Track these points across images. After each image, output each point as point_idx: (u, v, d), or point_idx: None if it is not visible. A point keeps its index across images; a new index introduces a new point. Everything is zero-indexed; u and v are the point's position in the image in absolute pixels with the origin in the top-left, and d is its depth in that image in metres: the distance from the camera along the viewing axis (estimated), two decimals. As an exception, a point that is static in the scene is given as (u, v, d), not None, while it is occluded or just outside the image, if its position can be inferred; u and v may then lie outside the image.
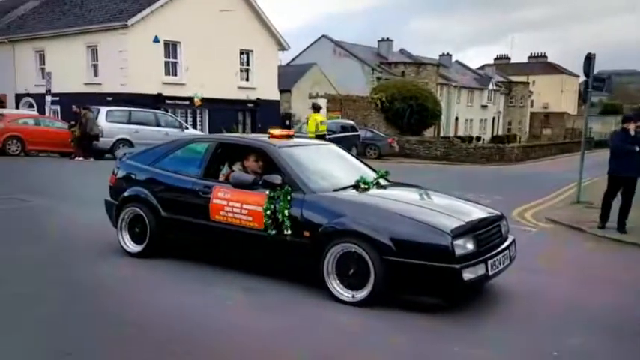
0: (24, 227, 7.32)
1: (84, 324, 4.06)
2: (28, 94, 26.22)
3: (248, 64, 27.21)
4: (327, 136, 13.20)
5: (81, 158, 16.83)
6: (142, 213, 5.77)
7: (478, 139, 47.92)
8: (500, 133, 55.68)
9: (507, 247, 4.99)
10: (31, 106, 25.92)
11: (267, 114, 26.91)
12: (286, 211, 4.86)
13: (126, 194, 5.94)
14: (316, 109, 13.32)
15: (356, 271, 4.58)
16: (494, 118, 56.51)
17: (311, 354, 3.72)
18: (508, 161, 29.19)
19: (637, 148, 8.17)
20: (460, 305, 4.65)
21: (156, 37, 23.07)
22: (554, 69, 70.64)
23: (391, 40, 46.89)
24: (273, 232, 4.91)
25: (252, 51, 26.93)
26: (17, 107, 25.72)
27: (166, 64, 23.85)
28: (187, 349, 3.62)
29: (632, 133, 8.27)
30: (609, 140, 9.05)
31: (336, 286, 4.68)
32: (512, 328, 4.35)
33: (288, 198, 4.92)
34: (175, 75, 24.18)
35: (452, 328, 4.20)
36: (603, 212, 8.70)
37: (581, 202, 11.31)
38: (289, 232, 4.85)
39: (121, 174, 6.18)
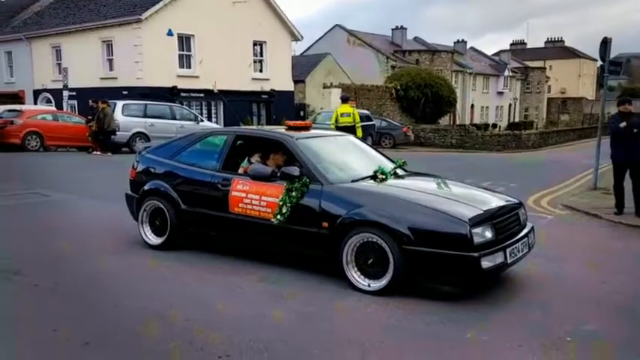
0: (43, 221, 7.49)
1: (103, 314, 4.16)
2: (46, 90, 26.56)
3: (261, 56, 27.23)
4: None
5: (98, 152, 17.04)
6: (162, 206, 5.86)
7: (494, 126, 47.50)
8: (516, 119, 55.13)
9: (526, 235, 4.99)
10: (48, 101, 26.29)
11: (282, 105, 26.96)
12: (294, 201, 4.92)
13: (146, 188, 6.03)
14: (342, 100, 13.44)
15: (375, 261, 4.63)
16: (510, 105, 55.92)
17: (328, 339, 3.78)
18: (525, 148, 28.95)
19: (634, 130, 8.18)
20: (476, 292, 4.68)
21: (169, 30, 23.18)
22: (571, 53, 69.60)
23: (405, 28, 46.52)
24: (274, 220, 5.03)
25: (265, 42, 26.92)
26: (35, 103, 26.08)
27: (180, 57, 23.97)
28: (205, 338, 3.70)
29: (624, 124, 8.26)
30: (608, 125, 9.05)
31: (355, 276, 4.73)
32: (527, 314, 4.35)
33: (305, 189, 4.97)
34: (189, 68, 24.30)
35: (466, 315, 4.23)
36: (617, 198, 8.67)
37: (598, 189, 11.22)
38: (282, 218, 4.96)
39: (140, 168, 6.27)
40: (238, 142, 5.88)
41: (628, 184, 8.55)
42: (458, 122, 43.04)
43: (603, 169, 12.17)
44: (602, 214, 8.73)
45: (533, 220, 6.63)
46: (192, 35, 23.99)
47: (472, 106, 49.97)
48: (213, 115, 25.35)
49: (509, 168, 17.49)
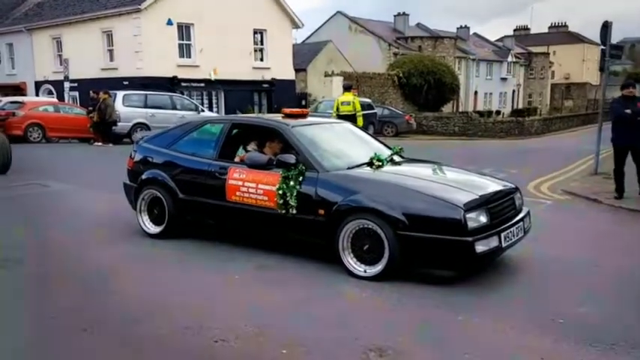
0: (44, 211, 7.53)
1: (101, 302, 4.21)
2: (47, 82, 26.59)
3: (262, 44, 27.11)
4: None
5: (100, 143, 17.09)
6: (159, 195, 5.90)
7: (498, 112, 47.26)
8: (520, 106, 54.82)
9: (521, 220, 5.01)
10: (50, 93, 26.33)
11: (283, 94, 26.90)
12: (295, 191, 4.94)
13: (143, 177, 6.06)
14: (345, 88, 13.44)
15: (371, 247, 4.66)
16: (514, 91, 55.60)
17: (322, 324, 3.82)
18: (528, 135, 28.82)
19: (628, 111, 8.19)
20: (472, 276, 4.71)
21: (169, 19, 23.11)
22: (575, 38, 69.01)
23: (407, 15, 46.21)
24: (283, 211, 4.99)
25: (265, 30, 26.80)
26: (37, 95, 26.13)
27: (180, 46, 23.92)
28: (201, 324, 3.75)
29: (629, 110, 8.22)
30: (609, 109, 9.04)
31: (351, 262, 4.76)
32: (521, 297, 4.38)
33: (300, 178, 4.99)
34: (190, 57, 24.24)
35: (460, 299, 4.26)
36: (617, 183, 8.66)
37: (599, 174, 11.20)
38: (294, 211, 4.94)
39: (138, 157, 6.30)
40: (235, 131, 5.91)
41: (628, 169, 8.53)
42: (461, 109, 42.82)
43: (604, 154, 12.14)
44: (602, 199, 8.72)
45: (533, 205, 6.66)
46: (192, 24, 23.90)
47: (475, 92, 49.72)
48: (214, 105, 25.33)
49: (510, 155, 17.45)
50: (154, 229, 6.01)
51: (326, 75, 30.13)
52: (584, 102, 57.34)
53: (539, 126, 31.50)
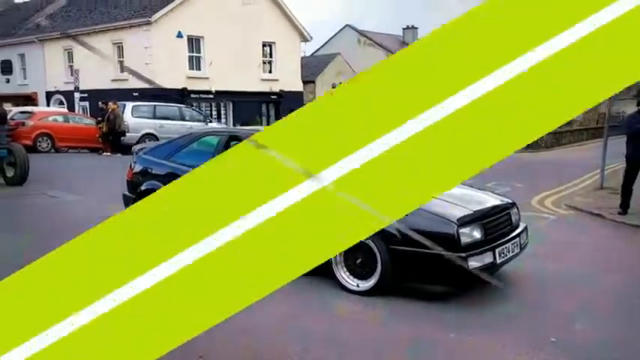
0: (46, 222, 7.58)
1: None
2: (58, 92, 26.91)
3: (271, 56, 27.32)
4: None
5: (109, 154, 17.22)
6: (157, 206, 5.91)
7: (507, 125, 47.05)
8: (529, 119, 54.59)
9: (518, 235, 4.96)
10: (61, 103, 26.63)
11: (291, 105, 26.96)
12: None
13: (142, 188, 6.10)
14: None
15: (363, 261, 4.63)
16: (523, 104, 55.46)
17: (310, 339, 3.79)
18: (537, 148, 28.55)
19: None
20: (467, 292, 4.67)
21: (179, 32, 23.36)
22: (585, 52, 68.85)
23: (416, 28, 46.31)
24: None
25: (274, 43, 27.01)
26: (48, 105, 26.44)
27: (190, 58, 24.15)
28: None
29: None
30: (623, 124, 8.90)
31: (344, 276, 4.74)
32: (516, 315, 4.34)
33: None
34: (199, 69, 24.45)
35: (453, 315, 4.23)
36: (623, 198, 8.54)
37: (605, 188, 11.09)
38: None
39: (137, 168, 6.35)
40: (232, 143, 5.92)
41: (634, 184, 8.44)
42: (470, 122, 42.66)
43: (610, 169, 12.02)
44: (605, 214, 8.62)
45: (535, 220, 6.62)
46: (202, 37, 24.15)
47: (484, 105, 49.58)
48: (222, 116, 25.50)
49: (516, 168, 17.18)
50: (151, 240, 6.02)
51: (333, 87, 30.22)
52: (595, 115, 56.96)
53: (548, 139, 31.24)
